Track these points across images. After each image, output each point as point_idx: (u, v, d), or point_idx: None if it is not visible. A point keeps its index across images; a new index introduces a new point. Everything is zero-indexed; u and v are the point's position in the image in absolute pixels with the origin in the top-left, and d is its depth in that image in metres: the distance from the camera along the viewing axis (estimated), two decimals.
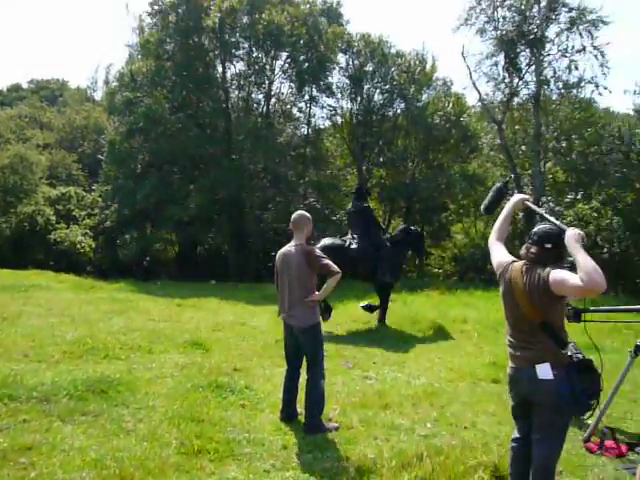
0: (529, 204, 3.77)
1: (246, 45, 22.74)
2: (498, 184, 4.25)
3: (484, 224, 24.01)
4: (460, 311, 11.47)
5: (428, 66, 24.37)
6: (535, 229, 3.46)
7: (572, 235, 3.17)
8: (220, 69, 23.13)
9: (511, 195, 3.93)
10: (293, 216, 5.23)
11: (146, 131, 21.58)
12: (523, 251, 3.41)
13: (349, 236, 10.65)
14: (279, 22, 21.38)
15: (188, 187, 21.49)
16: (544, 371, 3.24)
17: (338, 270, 4.96)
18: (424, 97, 24.20)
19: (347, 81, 23.70)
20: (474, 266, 19.26)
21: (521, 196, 3.80)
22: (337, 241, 10.47)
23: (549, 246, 3.29)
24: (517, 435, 3.62)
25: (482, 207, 4.24)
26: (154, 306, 12.16)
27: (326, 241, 10.34)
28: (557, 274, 3.13)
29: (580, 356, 3.29)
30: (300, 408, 5.19)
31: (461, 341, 9.31)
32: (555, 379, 3.21)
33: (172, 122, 21.83)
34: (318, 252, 5.03)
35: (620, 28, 38.83)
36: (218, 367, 6.76)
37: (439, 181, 22.09)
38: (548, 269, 3.20)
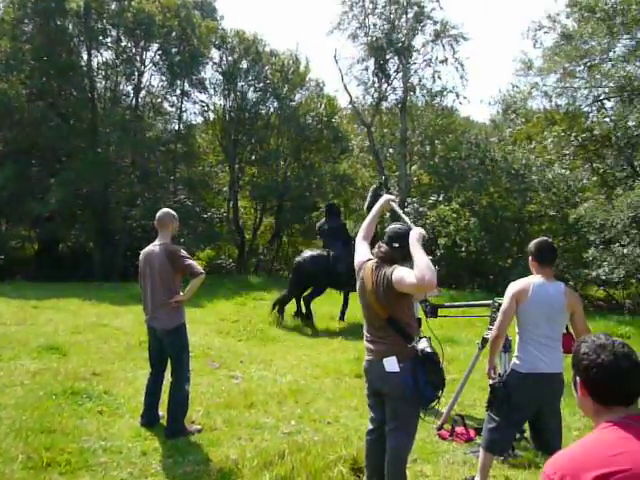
0: (393, 205, 3.95)
1: (114, 33, 21.62)
2: (374, 185, 4.43)
3: (353, 223, 24.76)
4: (328, 308, 11.72)
5: (302, 67, 24.63)
6: (387, 229, 3.64)
7: (414, 234, 3.36)
8: (85, 56, 21.82)
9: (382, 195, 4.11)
10: (158, 214, 5.07)
11: (0, 118, 19.87)
12: (375, 250, 3.56)
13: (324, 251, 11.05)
14: (150, 11, 20.58)
15: (48, 180, 20.01)
16: (391, 364, 3.40)
17: (202, 271, 4.87)
18: (297, 97, 24.47)
19: (220, 77, 23.37)
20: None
21: (387, 197, 3.96)
22: (323, 252, 10.98)
23: (396, 245, 3.46)
24: (371, 426, 3.76)
25: (365, 208, 4.41)
26: (6, 308, 11.24)
27: (313, 253, 11.08)
28: (398, 272, 3.29)
29: (429, 350, 3.49)
30: (162, 412, 5.04)
31: (328, 337, 9.52)
32: (401, 372, 3.38)
33: (30, 110, 20.28)
34: (182, 252, 4.90)
35: (480, 44, 42.00)
36: (75, 372, 6.39)
37: (310, 180, 22.43)
38: (393, 267, 3.36)
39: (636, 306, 16.94)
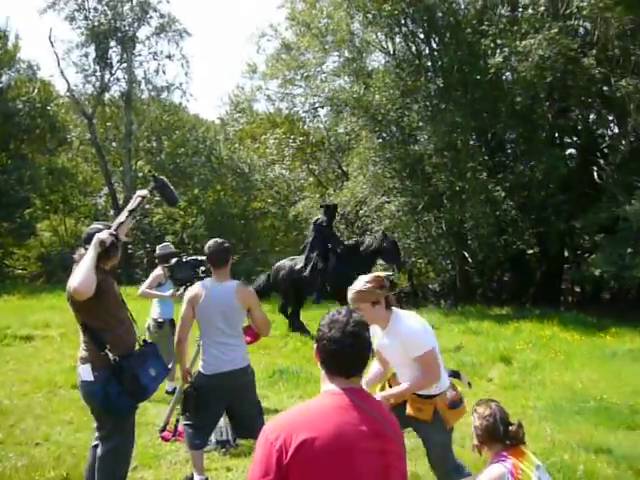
0: (137, 200, 3.77)
1: None
2: (152, 180, 4.05)
3: (75, 221, 23.03)
4: (43, 315, 10.64)
5: (10, 44, 21.98)
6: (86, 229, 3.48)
7: (95, 237, 3.22)
8: None
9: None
10: None
11: None
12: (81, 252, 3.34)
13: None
14: None
15: None
16: (85, 372, 3.26)
17: None
18: (4, 78, 21.74)
19: None
20: (63, 266, 18.18)
21: (139, 192, 3.78)
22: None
23: (88, 247, 3.28)
24: (96, 435, 3.53)
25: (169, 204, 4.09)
26: None
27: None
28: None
29: (125, 360, 3.32)
30: None
31: (42, 348, 8.62)
32: (95, 380, 3.23)
33: None
34: None
35: (211, 44, 42.49)
36: None
37: (22, 174, 20.10)
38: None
39: None
